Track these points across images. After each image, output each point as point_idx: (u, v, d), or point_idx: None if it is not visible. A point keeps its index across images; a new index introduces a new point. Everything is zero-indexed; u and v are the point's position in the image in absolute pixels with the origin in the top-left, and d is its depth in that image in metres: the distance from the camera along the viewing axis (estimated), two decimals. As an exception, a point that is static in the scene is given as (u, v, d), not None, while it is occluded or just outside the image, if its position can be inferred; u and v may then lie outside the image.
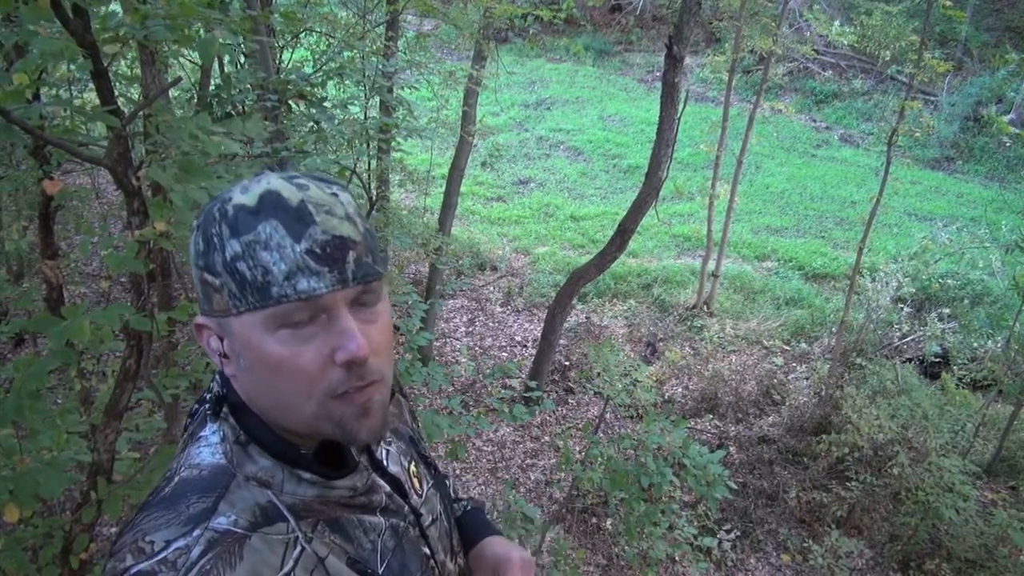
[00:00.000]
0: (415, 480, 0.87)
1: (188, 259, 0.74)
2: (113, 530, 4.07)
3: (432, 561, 0.82)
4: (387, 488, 0.80)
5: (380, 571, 0.72)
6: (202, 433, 0.71)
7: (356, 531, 0.72)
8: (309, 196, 0.66)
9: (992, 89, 13.77)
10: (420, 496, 0.86)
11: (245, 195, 0.65)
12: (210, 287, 0.66)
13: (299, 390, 0.66)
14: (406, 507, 0.81)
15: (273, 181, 0.67)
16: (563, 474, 5.59)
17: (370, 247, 0.69)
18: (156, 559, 0.58)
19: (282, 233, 0.63)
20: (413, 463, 0.89)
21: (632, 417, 6.72)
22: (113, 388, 2.03)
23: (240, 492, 0.66)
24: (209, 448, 0.69)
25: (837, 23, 8.66)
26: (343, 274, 0.65)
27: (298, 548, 0.66)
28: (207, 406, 0.74)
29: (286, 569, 0.63)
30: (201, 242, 0.66)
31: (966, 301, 8.25)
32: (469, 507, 1.05)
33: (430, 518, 0.85)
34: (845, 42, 8.29)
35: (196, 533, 0.60)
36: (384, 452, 0.84)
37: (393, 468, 0.83)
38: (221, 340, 0.69)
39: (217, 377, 0.75)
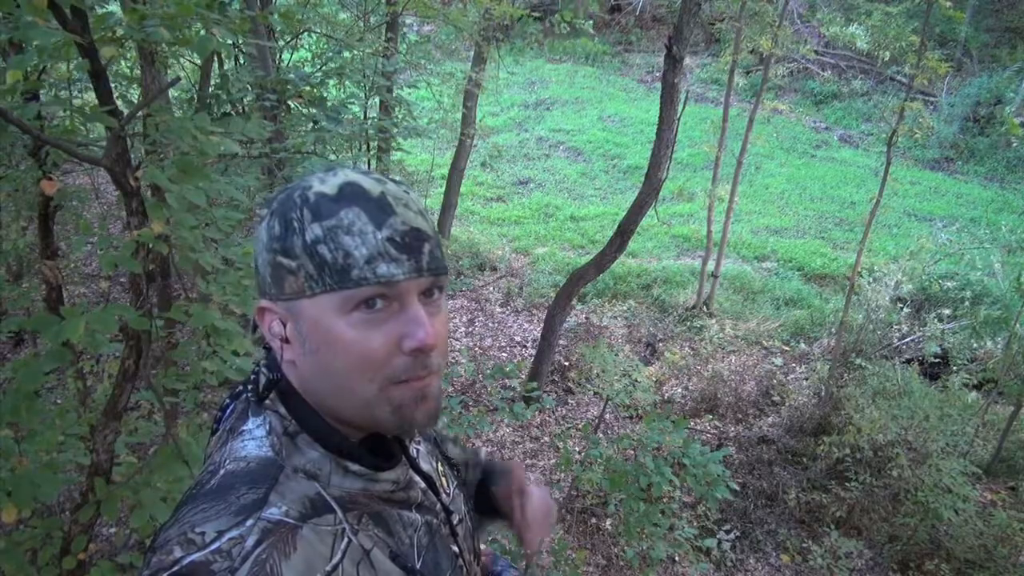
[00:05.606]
0: (443, 479, 0.89)
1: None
2: (112, 530, 4.06)
3: (460, 560, 0.83)
4: (422, 484, 0.82)
5: (417, 566, 0.73)
6: (244, 427, 0.71)
7: (396, 526, 0.74)
8: (388, 189, 0.69)
9: (991, 90, 13.76)
10: (448, 495, 0.88)
11: (324, 185, 0.68)
12: (284, 270, 0.67)
13: (362, 373, 0.67)
14: (438, 504, 0.83)
15: (351, 174, 0.70)
16: (563, 474, 5.58)
17: (439, 243, 0.72)
18: (210, 549, 0.58)
19: (364, 220, 0.66)
20: (439, 463, 0.91)
21: (632, 417, 6.71)
22: (112, 388, 2.02)
23: (289, 484, 0.66)
24: (255, 441, 0.69)
25: (839, 24, 8.64)
26: (419, 263, 0.68)
27: (345, 540, 0.66)
28: (249, 394, 0.74)
29: (335, 560, 0.64)
30: (278, 226, 0.68)
31: (966, 302, 8.24)
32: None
33: (457, 517, 0.87)
34: (859, 44, 8.25)
35: (249, 523, 0.60)
36: (415, 451, 0.86)
37: (425, 466, 0.85)
38: (284, 325, 0.70)
39: (262, 368, 0.76)
